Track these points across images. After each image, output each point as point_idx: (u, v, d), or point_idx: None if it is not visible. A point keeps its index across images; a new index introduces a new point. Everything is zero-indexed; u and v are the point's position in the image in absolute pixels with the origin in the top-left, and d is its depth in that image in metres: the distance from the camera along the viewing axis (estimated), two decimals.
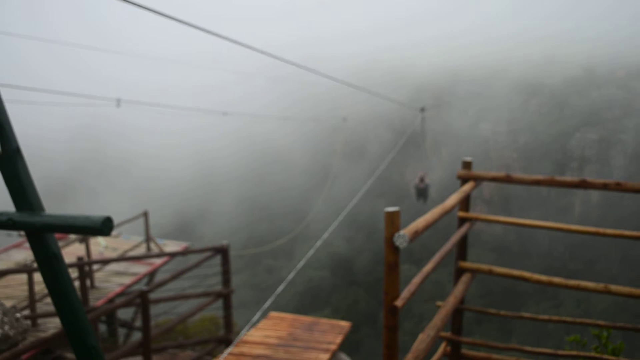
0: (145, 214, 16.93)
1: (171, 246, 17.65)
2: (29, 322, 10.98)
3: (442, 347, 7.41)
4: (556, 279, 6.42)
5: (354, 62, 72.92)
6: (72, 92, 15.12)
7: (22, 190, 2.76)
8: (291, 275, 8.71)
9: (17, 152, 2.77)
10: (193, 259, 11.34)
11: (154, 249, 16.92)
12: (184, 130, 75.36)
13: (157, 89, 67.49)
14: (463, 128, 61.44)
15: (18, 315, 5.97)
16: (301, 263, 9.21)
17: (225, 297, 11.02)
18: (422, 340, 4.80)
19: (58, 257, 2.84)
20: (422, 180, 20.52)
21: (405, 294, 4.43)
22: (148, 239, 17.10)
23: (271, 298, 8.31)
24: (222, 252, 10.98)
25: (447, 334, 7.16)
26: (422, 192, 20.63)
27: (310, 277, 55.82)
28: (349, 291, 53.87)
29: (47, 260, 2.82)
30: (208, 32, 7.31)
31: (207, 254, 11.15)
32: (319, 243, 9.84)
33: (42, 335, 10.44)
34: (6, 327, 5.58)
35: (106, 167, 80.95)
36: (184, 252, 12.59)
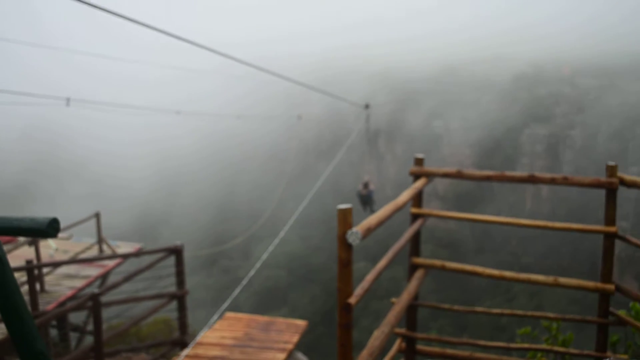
0: (97, 215, 16.59)
1: (124, 247, 17.33)
2: None
3: (397, 343, 7.47)
4: (507, 273, 6.55)
5: (311, 60, 73.23)
6: (19, 90, 14.75)
7: None
8: (246, 280, 8.68)
9: None
10: (147, 260, 11.17)
11: (107, 251, 16.61)
12: (140, 129, 74.32)
13: (107, 86, 66.34)
14: (417, 125, 62.18)
15: None
16: (257, 264, 9.18)
17: (179, 298, 10.90)
18: (376, 337, 4.83)
19: (2, 260, 2.75)
20: (365, 186, 19.17)
21: (358, 291, 4.45)
22: (100, 241, 16.76)
23: (228, 300, 8.26)
24: (176, 252, 10.85)
25: (402, 330, 7.22)
26: (366, 200, 19.16)
27: (266, 276, 55.69)
28: (305, 290, 53.97)
29: None
30: (164, 32, 7.21)
31: (161, 254, 11.01)
32: (274, 244, 9.84)
33: None
34: None
35: (59, 169, 79.24)
36: (137, 254, 12.39)
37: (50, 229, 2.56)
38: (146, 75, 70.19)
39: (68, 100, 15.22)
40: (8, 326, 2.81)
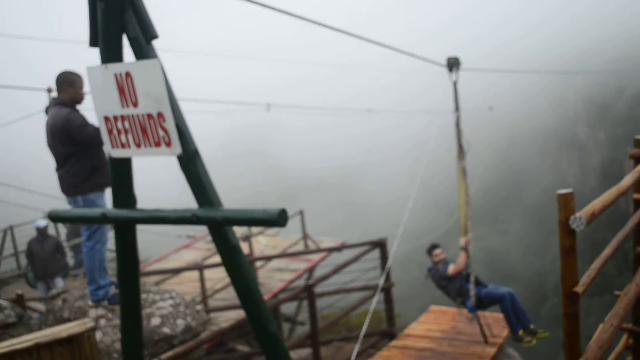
0: (301, 212, 17.41)
1: (327, 242, 17.99)
2: (207, 314, 11.70)
3: (624, 339, 6.92)
4: None
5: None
6: (223, 99, 15.79)
7: (202, 188, 2.99)
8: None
9: (195, 153, 3.01)
10: (349, 254, 11.49)
11: (311, 246, 17.34)
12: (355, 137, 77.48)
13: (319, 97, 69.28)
14: (622, 109, 57.29)
15: (198, 307, 6.35)
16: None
17: (386, 290, 11.05)
18: (604, 330, 4.48)
19: (238, 249, 3.02)
20: (430, 252, 10.33)
21: (585, 279, 4.17)
22: (305, 236, 17.57)
23: (383, 274, 8.21)
24: (380, 245, 11.03)
25: (629, 326, 6.65)
26: (450, 287, 9.59)
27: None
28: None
29: (229, 251, 3.01)
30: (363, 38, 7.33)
31: (366, 247, 11.27)
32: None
33: (215, 328, 11.03)
34: (188, 319, 5.96)
35: (278, 175, 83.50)
36: (341, 247, 12.79)
37: (280, 218, 2.78)
38: (354, 84, 73.35)
39: (268, 105, 16.02)
40: (245, 307, 3.05)
